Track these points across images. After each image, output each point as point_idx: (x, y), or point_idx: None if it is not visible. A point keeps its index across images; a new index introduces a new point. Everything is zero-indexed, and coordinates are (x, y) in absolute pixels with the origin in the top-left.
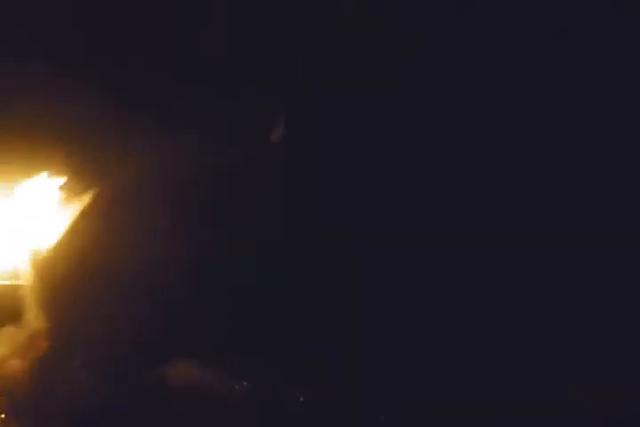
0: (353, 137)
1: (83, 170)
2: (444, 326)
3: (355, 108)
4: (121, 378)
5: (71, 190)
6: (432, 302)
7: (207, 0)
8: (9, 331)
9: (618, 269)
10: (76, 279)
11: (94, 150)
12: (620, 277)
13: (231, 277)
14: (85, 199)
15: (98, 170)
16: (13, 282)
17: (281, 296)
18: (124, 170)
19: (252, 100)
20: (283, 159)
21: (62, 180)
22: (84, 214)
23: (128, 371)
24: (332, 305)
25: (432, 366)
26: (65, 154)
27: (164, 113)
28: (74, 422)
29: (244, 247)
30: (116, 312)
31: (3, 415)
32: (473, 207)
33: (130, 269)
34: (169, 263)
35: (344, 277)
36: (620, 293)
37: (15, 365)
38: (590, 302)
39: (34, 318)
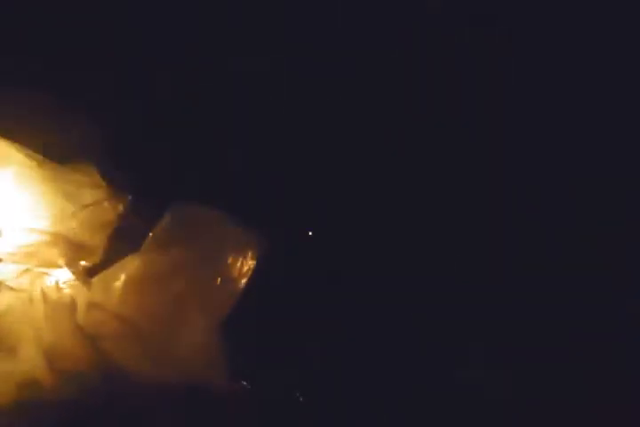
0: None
1: None
2: (444, 326)
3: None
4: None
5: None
6: (432, 302)
7: None
8: None
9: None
10: None
11: None
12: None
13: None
14: None
15: None
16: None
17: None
18: None
19: None
20: None
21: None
22: None
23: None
24: (332, 305)
25: (432, 366)
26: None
27: None
28: None
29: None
30: None
31: None
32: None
33: None
34: None
35: (343, 277)
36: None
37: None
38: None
39: None
